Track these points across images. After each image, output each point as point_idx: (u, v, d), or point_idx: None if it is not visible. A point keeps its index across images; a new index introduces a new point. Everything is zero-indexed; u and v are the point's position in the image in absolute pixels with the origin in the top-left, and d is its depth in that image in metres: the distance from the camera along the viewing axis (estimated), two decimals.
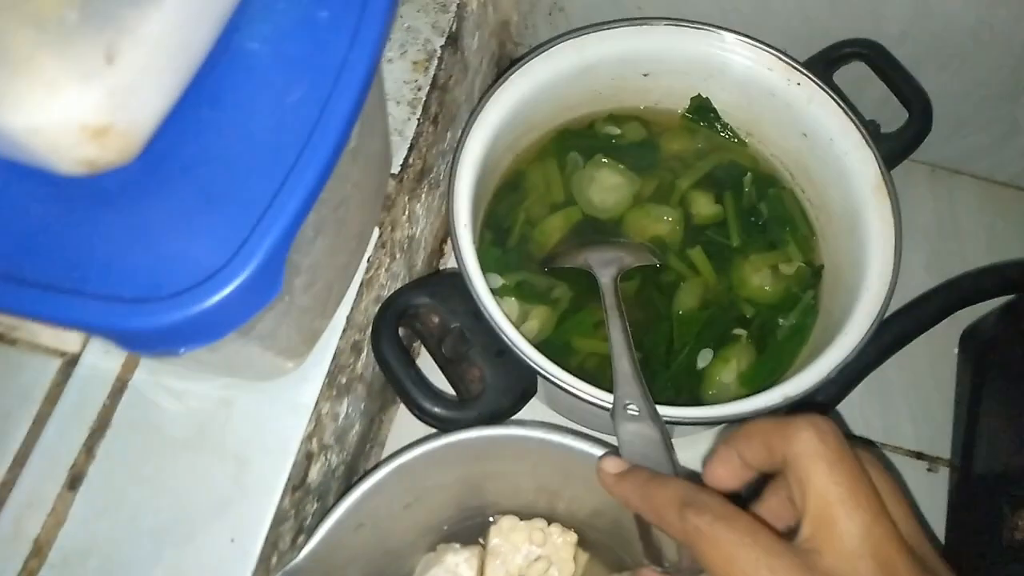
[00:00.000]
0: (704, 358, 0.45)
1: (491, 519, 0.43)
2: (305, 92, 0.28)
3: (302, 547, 0.36)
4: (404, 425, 0.49)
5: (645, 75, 0.48)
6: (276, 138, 0.28)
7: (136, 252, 0.27)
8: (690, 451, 0.48)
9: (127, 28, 0.25)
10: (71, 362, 0.37)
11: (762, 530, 0.26)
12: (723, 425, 0.45)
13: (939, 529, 0.48)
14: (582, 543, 0.43)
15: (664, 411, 0.38)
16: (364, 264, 0.40)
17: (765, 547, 0.25)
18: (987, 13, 0.45)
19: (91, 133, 0.25)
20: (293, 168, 0.27)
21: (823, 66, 0.47)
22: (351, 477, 0.44)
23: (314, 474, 0.39)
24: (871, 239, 0.42)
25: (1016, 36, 0.47)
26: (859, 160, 0.43)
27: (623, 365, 0.37)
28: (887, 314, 0.49)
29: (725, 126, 0.50)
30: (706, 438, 0.49)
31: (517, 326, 0.38)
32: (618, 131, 0.49)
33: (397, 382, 0.38)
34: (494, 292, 0.39)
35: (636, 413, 0.35)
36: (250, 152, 0.28)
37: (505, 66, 0.44)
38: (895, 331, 0.47)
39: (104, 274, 0.26)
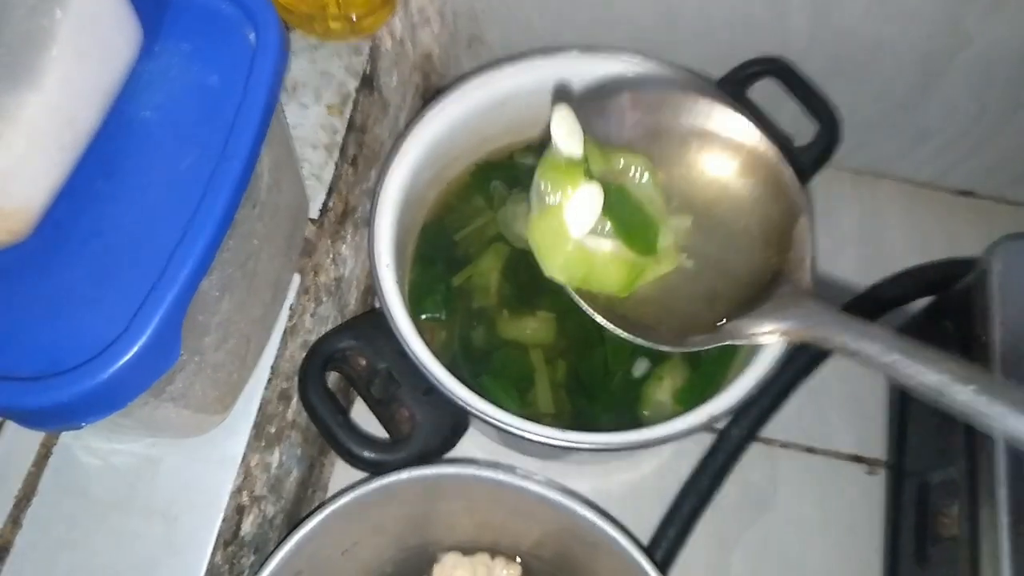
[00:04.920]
0: (640, 368, 0.46)
1: (436, 556, 0.43)
2: (196, 158, 0.29)
3: None
4: (346, 468, 0.49)
5: None
6: (169, 205, 0.28)
7: (32, 328, 0.27)
8: (631, 473, 0.49)
9: (5, 115, 0.25)
10: None
11: None
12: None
13: (880, 531, 0.49)
14: (526, 574, 0.43)
15: (601, 439, 0.38)
16: (286, 312, 0.40)
17: None
18: (880, 28, 0.47)
19: None
20: (184, 235, 0.27)
21: (735, 85, 0.48)
22: (292, 525, 0.44)
23: (247, 526, 0.38)
24: None
25: (909, 49, 0.48)
26: None
27: None
28: None
29: None
30: (646, 458, 0.50)
31: None
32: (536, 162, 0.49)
33: (325, 428, 0.38)
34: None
35: None
36: (144, 221, 0.28)
37: (431, 98, 0.45)
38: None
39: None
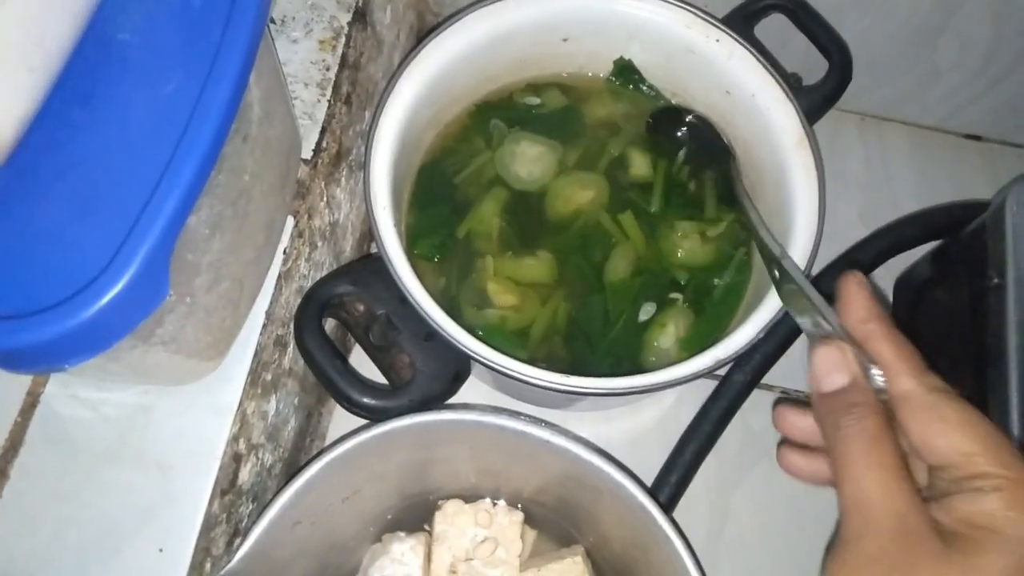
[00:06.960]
0: (646, 312, 0.45)
1: (438, 504, 0.43)
2: (180, 83, 0.27)
3: (237, 550, 0.35)
4: (345, 416, 0.48)
5: (565, 40, 0.47)
6: (152, 134, 0.26)
7: (8, 266, 0.25)
8: (631, 420, 0.48)
9: None
10: None
11: None
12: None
13: None
14: (528, 521, 0.43)
15: (606, 383, 0.38)
16: (280, 256, 0.38)
17: None
18: None
19: None
20: (169, 165, 0.25)
21: (743, 20, 0.46)
22: (290, 474, 0.43)
23: (245, 475, 0.38)
24: (796, 194, 0.42)
25: None
26: (781, 115, 0.43)
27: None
28: (820, 267, 0.49)
29: (651, 87, 0.49)
30: (647, 406, 0.49)
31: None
32: (537, 100, 0.48)
33: (322, 375, 0.37)
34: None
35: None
36: (126, 151, 0.26)
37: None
38: (827, 285, 0.46)
39: None
